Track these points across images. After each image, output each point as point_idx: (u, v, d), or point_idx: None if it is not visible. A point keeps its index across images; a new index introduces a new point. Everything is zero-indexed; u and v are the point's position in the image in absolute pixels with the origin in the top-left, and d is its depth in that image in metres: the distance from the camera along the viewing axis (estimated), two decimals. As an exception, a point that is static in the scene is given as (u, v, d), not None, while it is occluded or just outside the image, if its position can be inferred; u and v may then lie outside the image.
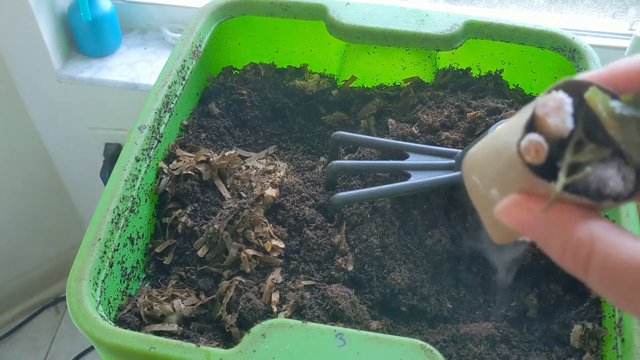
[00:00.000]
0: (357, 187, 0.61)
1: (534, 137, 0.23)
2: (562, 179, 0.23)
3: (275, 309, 0.53)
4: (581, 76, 0.25)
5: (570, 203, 0.23)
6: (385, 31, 0.69)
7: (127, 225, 0.54)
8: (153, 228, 0.60)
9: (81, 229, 1.43)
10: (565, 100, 0.24)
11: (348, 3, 0.72)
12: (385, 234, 0.58)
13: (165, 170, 0.61)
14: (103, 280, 0.49)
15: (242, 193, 0.61)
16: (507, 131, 0.26)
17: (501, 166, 0.25)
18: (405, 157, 0.62)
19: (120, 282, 0.53)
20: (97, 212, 0.51)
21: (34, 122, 1.18)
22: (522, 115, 0.25)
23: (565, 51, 0.69)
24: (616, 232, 0.22)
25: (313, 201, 0.62)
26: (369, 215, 0.59)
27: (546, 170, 0.24)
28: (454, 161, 0.61)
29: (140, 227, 0.57)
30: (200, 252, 0.57)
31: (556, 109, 0.24)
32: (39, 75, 1.06)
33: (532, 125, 0.24)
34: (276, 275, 0.56)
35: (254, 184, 0.62)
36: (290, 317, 0.53)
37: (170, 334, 0.51)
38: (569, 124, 0.24)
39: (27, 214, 1.32)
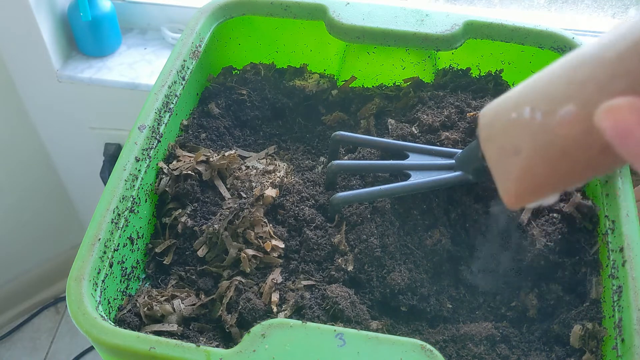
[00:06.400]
0: (357, 187, 0.61)
1: None
2: None
3: (275, 309, 0.53)
4: None
5: None
6: (385, 31, 0.69)
7: (127, 225, 0.54)
8: (153, 228, 0.60)
9: (81, 229, 1.43)
10: None
11: (348, 3, 0.72)
12: (385, 234, 0.58)
13: (165, 170, 0.61)
14: (103, 280, 0.49)
15: (242, 193, 0.61)
16: (595, 44, 0.22)
17: (588, 72, 0.22)
18: (405, 157, 0.62)
19: (120, 282, 0.53)
20: (97, 212, 0.51)
21: (34, 122, 1.18)
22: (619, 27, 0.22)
23: (566, 51, 0.69)
24: None
25: (313, 201, 0.62)
26: (369, 215, 0.59)
27: None
28: (454, 161, 0.61)
29: (140, 227, 0.57)
30: (200, 252, 0.57)
31: None
32: (39, 75, 1.06)
33: None
34: (276, 275, 0.56)
35: (253, 184, 0.62)
36: (290, 317, 0.53)
37: (170, 334, 0.51)
38: None
39: (27, 214, 1.32)
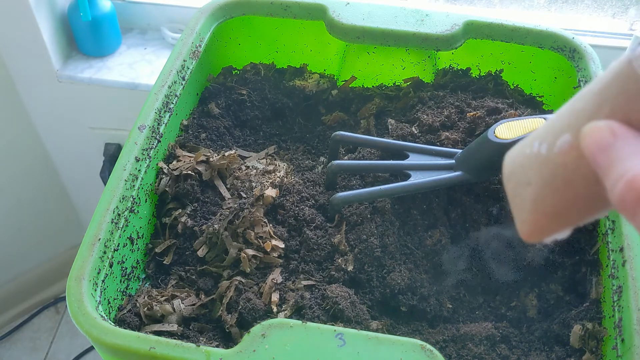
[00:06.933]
0: (357, 187, 0.61)
1: None
2: None
3: (275, 309, 0.53)
4: None
5: None
6: (385, 31, 0.69)
7: (127, 225, 0.54)
8: (153, 228, 0.60)
9: (81, 229, 1.43)
10: None
11: (348, 3, 0.72)
12: (385, 234, 0.58)
13: (165, 170, 0.61)
14: (103, 280, 0.49)
15: (242, 193, 0.61)
16: (587, 89, 0.25)
17: (583, 103, 0.25)
18: (405, 157, 0.62)
19: (120, 282, 0.53)
20: (97, 212, 0.51)
21: (34, 122, 1.17)
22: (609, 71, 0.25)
23: (565, 51, 0.69)
24: None
25: (313, 201, 0.62)
26: (369, 215, 0.59)
27: None
28: (454, 161, 0.61)
29: (140, 227, 0.57)
30: (200, 252, 0.57)
31: None
32: (39, 75, 1.06)
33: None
34: (276, 275, 0.56)
35: (253, 184, 0.62)
36: (290, 317, 0.53)
37: (170, 334, 0.51)
38: None
39: (26, 214, 1.32)
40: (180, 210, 0.60)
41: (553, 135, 0.27)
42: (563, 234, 0.28)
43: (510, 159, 0.30)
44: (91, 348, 1.39)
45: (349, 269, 0.56)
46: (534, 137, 0.28)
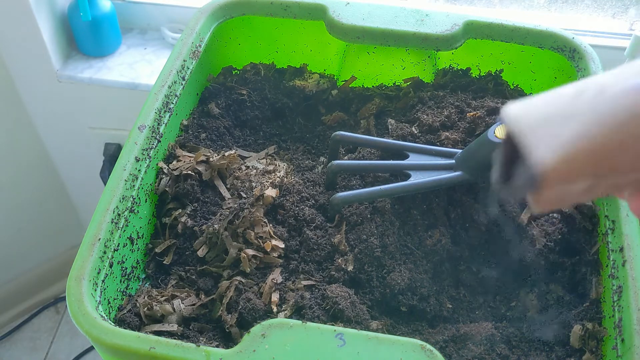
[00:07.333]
0: (357, 187, 0.61)
1: None
2: None
3: (275, 309, 0.53)
4: None
5: None
6: (385, 31, 0.69)
7: (127, 225, 0.54)
8: (153, 228, 0.60)
9: (81, 229, 1.43)
10: None
11: (348, 3, 0.72)
12: (385, 234, 0.58)
13: (165, 170, 0.61)
14: (103, 280, 0.49)
15: (242, 193, 0.61)
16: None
17: None
18: (405, 157, 0.62)
19: (120, 282, 0.53)
20: (97, 212, 0.51)
21: (34, 122, 1.17)
22: None
23: (565, 51, 0.69)
24: None
25: (313, 201, 0.62)
26: (369, 215, 0.59)
27: None
28: (454, 161, 0.61)
29: (140, 227, 0.57)
30: (200, 252, 0.57)
31: None
32: (39, 75, 1.06)
33: None
34: (276, 275, 0.56)
35: (253, 184, 0.62)
36: (290, 317, 0.53)
37: (170, 334, 0.51)
38: None
39: (27, 214, 1.32)
40: (180, 210, 0.60)
41: (620, 80, 0.25)
42: (568, 202, 0.26)
43: (524, 105, 0.27)
44: (91, 348, 1.39)
45: (349, 269, 0.56)
46: (584, 85, 0.26)
